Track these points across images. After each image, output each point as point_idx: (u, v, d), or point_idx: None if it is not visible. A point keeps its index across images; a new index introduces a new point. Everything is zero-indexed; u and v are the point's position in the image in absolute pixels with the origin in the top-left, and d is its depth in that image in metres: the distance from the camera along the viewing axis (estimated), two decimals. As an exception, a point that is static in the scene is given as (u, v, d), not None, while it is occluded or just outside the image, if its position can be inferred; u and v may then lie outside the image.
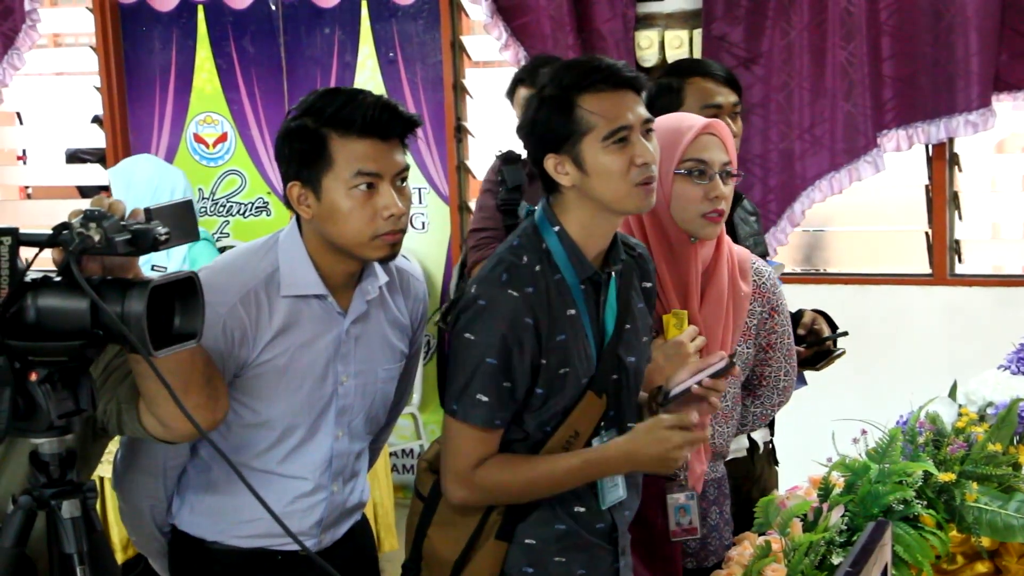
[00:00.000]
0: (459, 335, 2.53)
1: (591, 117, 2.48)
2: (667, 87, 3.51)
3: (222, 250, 5.55)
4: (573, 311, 2.55)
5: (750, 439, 3.31)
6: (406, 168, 2.52)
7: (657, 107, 3.42)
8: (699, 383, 2.56)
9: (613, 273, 2.60)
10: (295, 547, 2.57)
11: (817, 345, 3.47)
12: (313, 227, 2.53)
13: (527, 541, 2.60)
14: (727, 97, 3.51)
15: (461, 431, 2.53)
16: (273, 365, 2.55)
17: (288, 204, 2.55)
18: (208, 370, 2.29)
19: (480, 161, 5.82)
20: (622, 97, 2.51)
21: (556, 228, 2.56)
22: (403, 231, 2.52)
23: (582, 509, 2.61)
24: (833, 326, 3.52)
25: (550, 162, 2.53)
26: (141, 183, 4.84)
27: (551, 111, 2.51)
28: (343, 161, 2.45)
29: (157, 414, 2.24)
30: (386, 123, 2.46)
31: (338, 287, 2.59)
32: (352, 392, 2.64)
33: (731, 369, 2.58)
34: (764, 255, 3.66)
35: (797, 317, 3.51)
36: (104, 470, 4.58)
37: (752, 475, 3.34)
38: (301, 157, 2.48)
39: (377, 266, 2.64)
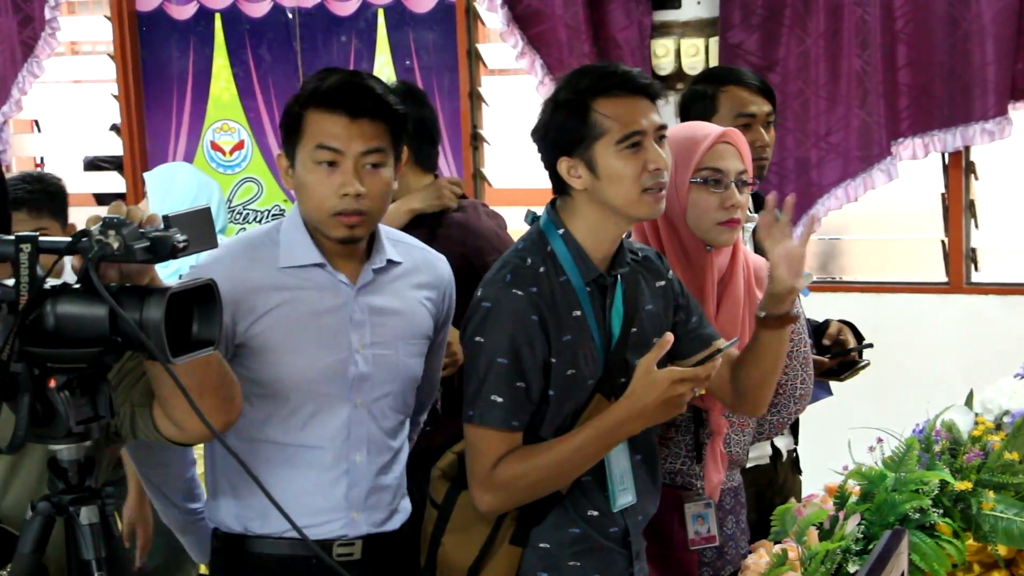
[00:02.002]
0: (469, 340, 2.55)
1: (605, 121, 2.50)
2: (701, 94, 3.49)
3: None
4: (579, 312, 2.56)
5: (773, 446, 3.31)
6: (377, 149, 2.56)
7: (691, 114, 3.41)
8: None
9: (619, 276, 2.61)
10: (330, 538, 2.62)
11: (841, 356, 3.47)
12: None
13: (541, 545, 2.60)
14: (761, 107, 3.47)
15: (479, 435, 2.54)
16: (274, 333, 2.58)
17: None
18: (222, 372, 2.30)
19: (496, 169, 5.83)
20: (637, 103, 2.52)
21: (561, 231, 2.58)
22: (364, 212, 2.56)
23: (595, 513, 2.62)
24: (859, 337, 3.52)
25: (563, 165, 2.54)
26: (179, 191, 4.89)
27: (566, 114, 2.53)
28: (309, 134, 2.56)
29: (172, 416, 2.25)
30: (354, 99, 2.54)
31: (339, 258, 2.64)
32: (371, 362, 2.65)
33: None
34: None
35: (823, 327, 3.51)
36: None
37: (775, 483, 3.34)
38: (285, 128, 2.62)
39: (386, 243, 2.69)
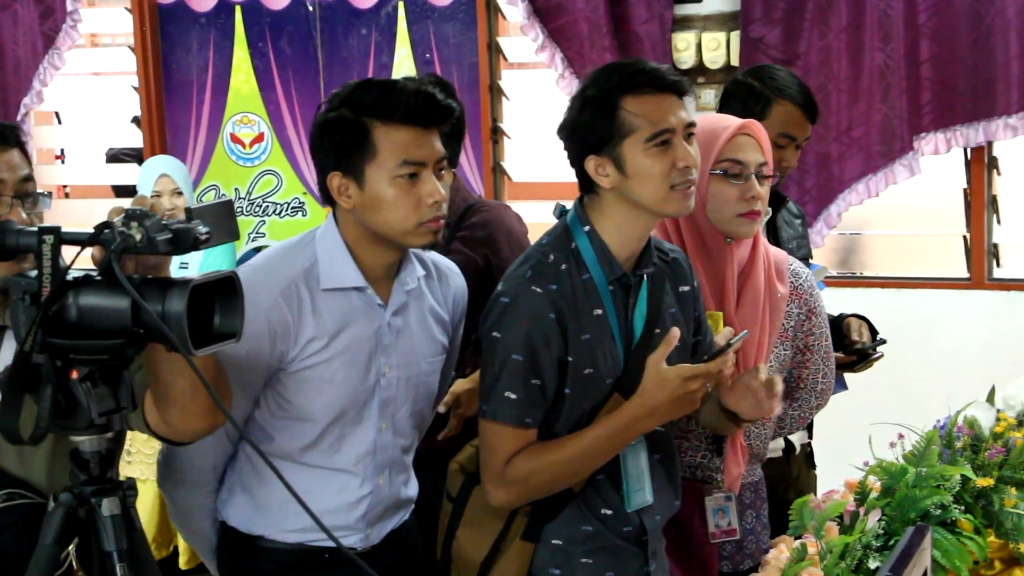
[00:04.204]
0: (487, 335, 2.54)
1: (634, 119, 2.48)
2: (757, 95, 3.43)
3: (256, 250, 5.59)
4: (600, 311, 2.55)
5: (786, 440, 3.30)
6: (446, 155, 2.56)
7: (734, 106, 3.36)
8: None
9: (645, 276, 2.60)
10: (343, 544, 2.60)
11: (855, 352, 3.45)
12: (354, 217, 2.55)
13: (554, 542, 2.60)
14: (804, 132, 3.44)
15: (493, 431, 2.53)
16: (316, 360, 2.56)
17: (326, 195, 2.57)
18: (217, 377, 2.28)
19: (516, 163, 5.82)
20: (665, 100, 2.50)
21: (587, 228, 2.56)
22: (444, 217, 2.54)
23: (609, 511, 2.61)
24: (874, 331, 3.50)
25: (591, 163, 2.53)
26: (183, 175, 5.05)
27: (594, 112, 2.51)
28: (387, 150, 2.48)
29: (165, 414, 2.25)
30: (427, 111, 2.50)
31: (377, 279, 2.61)
32: (395, 384, 2.65)
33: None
34: (807, 258, 3.64)
35: (838, 323, 3.50)
36: (131, 470, 4.63)
37: (788, 476, 3.33)
38: (341, 148, 2.50)
39: (414, 258, 2.67)
